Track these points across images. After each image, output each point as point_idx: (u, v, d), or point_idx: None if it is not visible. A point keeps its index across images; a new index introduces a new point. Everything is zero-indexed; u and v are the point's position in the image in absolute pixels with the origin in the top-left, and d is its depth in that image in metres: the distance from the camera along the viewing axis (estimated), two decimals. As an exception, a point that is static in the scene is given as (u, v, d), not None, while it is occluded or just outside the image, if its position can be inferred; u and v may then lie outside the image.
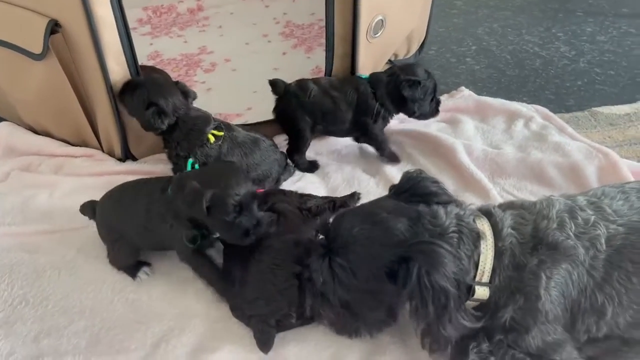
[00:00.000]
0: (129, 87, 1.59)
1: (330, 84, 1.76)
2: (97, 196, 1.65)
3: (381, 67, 2.20)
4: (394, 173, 1.72)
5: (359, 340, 1.23)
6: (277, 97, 1.76)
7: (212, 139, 1.55)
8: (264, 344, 1.21)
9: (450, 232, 1.05)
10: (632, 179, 1.54)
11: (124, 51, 1.57)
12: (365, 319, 1.16)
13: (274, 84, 1.75)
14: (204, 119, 1.58)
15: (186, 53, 2.46)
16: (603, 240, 1.06)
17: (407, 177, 1.16)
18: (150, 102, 1.51)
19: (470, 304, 1.07)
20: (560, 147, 1.75)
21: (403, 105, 1.74)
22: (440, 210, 1.07)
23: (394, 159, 1.79)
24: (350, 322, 1.17)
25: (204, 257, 1.33)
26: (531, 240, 1.08)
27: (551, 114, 1.94)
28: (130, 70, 1.61)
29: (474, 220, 1.09)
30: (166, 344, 1.26)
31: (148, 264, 1.43)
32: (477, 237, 1.07)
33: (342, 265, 1.05)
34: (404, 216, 1.06)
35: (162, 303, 1.33)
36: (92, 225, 1.55)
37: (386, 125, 1.80)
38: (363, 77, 1.80)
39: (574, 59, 2.40)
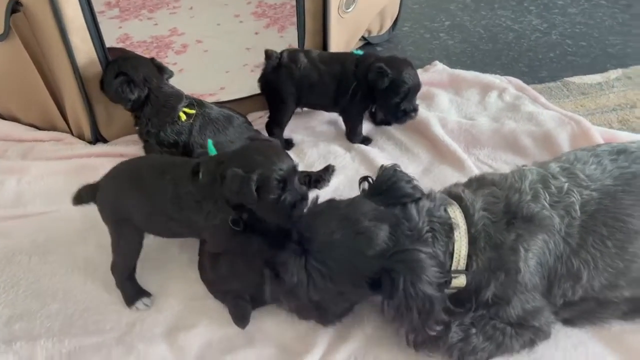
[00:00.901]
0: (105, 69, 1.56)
1: (321, 57, 1.73)
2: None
3: (354, 44, 2.19)
4: (369, 148, 1.72)
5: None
6: (265, 67, 1.73)
7: (183, 116, 1.52)
8: (240, 318, 1.21)
9: (424, 232, 1.05)
10: (603, 144, 1.56)
11: (88, 28, 1.53)
12: (330, 311, 1.15)
13: (269, 56, 1.70)
14: (177, 96, 1.55)
15: (156, 35, 2.41)
16: (577, 207, 1.07)
17: (383, 178, 1.14)
18: (119, 71, 1.49)
19: (448, 292, 1.07)
20: (534, 117, 1.76)
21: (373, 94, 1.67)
22: (413, 210, 1.07)
23: (363, 142, 1.76)
24: (314, 312, 1.16)
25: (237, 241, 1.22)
26: (504, 217, 1.08)
27: (524, 85, 1.95)
28: (96, 49, 1.57)
29: (445, 210, 1.09)
30: (141, 324, 1.24)
31: (148, 295, 1.29)
32: (450, 228, 1.07)
33: (320, 270, 1.03)
34: (384, 223, 1.05)
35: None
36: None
37: (364, 109, 1.76)
38: (355, 53, 1.76)
39: (546, 32, 2.40)
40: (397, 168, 1.16)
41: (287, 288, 1.08)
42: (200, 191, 1.17)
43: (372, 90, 1.65)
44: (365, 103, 1.72)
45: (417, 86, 1.65)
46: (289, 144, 1.77)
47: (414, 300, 0.97)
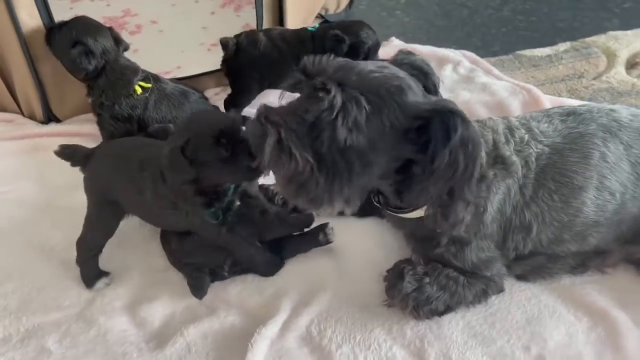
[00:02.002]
0: (55, 26, 1.50)
1: (281, 36, 1.69)
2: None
3: (311, 21, 2.19)
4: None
5: (299, 276, 1.24)
6: (225, 55, 1.69)
7: (138, 90, 1.51)
8: (198, 289, 1.20)
9: None
10: (553, 111, 1.61)
11: (36, 3, 1.49)
12: (344, 185, 0.90)
13: (225, 45, 1.66)
14: (133, 69, 1.53)
15: (109, 16, 2.34)
16: (534, 159, 1.10)
17: (403, 54, 1.01)
18: (76, 40, 1.44)
19: (415, 214, 1.05)
20: (487, 87, 1.80)
21: None
22: None
23: None
24: (321, 182, 0.89)
25: (234, 234, 1.18)
26: (493, 151, 1.09)
27: (478, 57, 1.99)
28: (44, 24, 1.53)
29: None
30: (102, 298, 1.23)
31: (107, 274, 1.26)
32: None
33: (358, 100, 0.84)
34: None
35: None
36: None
37: None
38: (310, 29, 1.71)
39: (499, 8, 2.46)
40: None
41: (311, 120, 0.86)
42: (169, 190, 1.09)
43: None
44: None
45: (377, 44, 1.64)
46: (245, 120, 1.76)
47: (468, 148, 0.84)
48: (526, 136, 1.12)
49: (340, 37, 1.59)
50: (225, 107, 1.73)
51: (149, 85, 1.52)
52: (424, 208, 1.03)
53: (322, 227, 1.26)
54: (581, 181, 1.10)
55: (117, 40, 1.53)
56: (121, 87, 1.49)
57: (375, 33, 1.65)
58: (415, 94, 0.89)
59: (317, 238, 1.26)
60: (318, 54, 1.60)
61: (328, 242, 1.26)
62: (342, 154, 0.87)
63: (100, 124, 1.55)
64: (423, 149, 0.88)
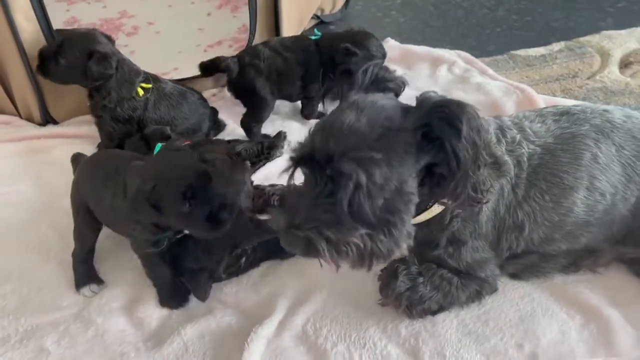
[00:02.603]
0: (49, 51, 1.47)
1: (281, 44, 1.68)
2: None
3: (307, 22, 2.21)
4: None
5: (295, 276, 1.26)
6: (229, 76, 1.66)
7: (140, 91, 1.51)
8: (201, 291, 1.22)
9: None
10: (547, 110, 1.63)
11: (33, 6, 1.50)
12: (399, 227, 0.92)
13: (228, 67, 1.62)
14: (136, 71, 1.54)
15: (106, 18, 2.37)
16: (526, 159, 1.10)
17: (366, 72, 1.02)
18: (90, 50, 1.43)
19: (421, 218, 1.05)
20: (482, 87, 1.82)
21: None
22: None
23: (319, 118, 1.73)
24: (383, 239, 0.91)
25: (157, 259, 1.19)
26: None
27: (473, 58, 2.01)
28: (42, 27, 1.53)
29: None
30: (99, 299, 1.24)
31: (100, 282, 1.26)
32: None
33: (372, 159, 0.85)
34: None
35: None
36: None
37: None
38: (313, 37, 1.70)
39: (493, 8, 2.47)
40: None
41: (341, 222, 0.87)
42: (125, 206, 1.08)
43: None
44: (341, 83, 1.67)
45: (384, 55, 1.65)
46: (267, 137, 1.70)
47: (475, 125, 0.83)
48: (518, 136, 1.12)
49: (352, 51, 1.57)
50: (245, 128, 1.69)
51: (149, 85, 1.53)
52: (429, 211, 1.04)
53: None
54: (572, 181, 1.11)
55: (110, 39, 1.53)
56: (126, 90, 1.49)
57: (382, 44, 1.66)
58: (401, 108, 0.91)
59: None
60: (326, 65, 1.62)
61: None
62: (385, 207, 0.89)
63: (99, 125, 1.55)
64: (439, 148, 0.88)
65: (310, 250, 0.89)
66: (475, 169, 0.87)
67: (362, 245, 0.89)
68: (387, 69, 1.04)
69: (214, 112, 1.71)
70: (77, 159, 1.34)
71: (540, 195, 1.11)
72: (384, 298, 1.15)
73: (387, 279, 1.14)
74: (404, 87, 1.05)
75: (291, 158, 0.93)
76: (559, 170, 1.11)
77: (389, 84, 1.01)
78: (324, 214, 0.87)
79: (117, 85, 1.49)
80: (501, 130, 1.13)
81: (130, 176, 1.08)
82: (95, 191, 1.18)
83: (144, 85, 1.53)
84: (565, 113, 1.19)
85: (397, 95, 1.03)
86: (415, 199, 0.94)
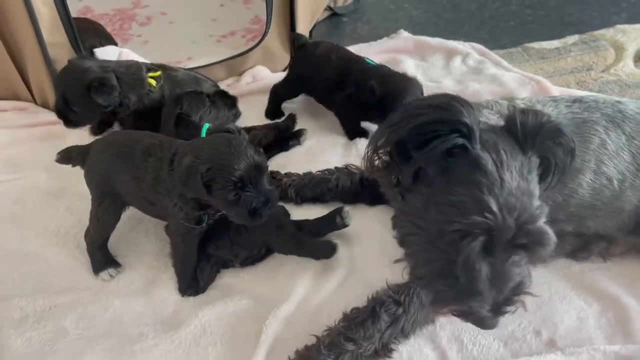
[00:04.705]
0: (61, 106, 1.43)
1: (338, 50, 1.67)
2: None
3: (320, 13, 2.20)
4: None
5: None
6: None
7: (153, 82, 1.50)
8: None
9: None
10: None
11: (51, -10, 1.50)
12: None
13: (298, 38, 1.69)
14: (137, 65, 1.52)
15: (119, 8, 2.37)
16: None
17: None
18: (86, 84, 1.38)
19: None
20: (496, 78, 1.81)
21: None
22: None
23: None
24: None
25: (190, 242, 1.19)
26: None
27: (487, 50, 2.00)
28: (59, 13, 1.54)
29: None
30: (117, 282, 1.25)
31: (117, 265, 1.27)
32: None
33: (543, 209, 0.89)
34: None
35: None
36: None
37: (355, 117, 1.64)
38: (370, 62, 1.62)
39: (507, 2, 2.46)
40: None
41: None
42: (171, 179, 1.11)
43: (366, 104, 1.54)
44: (357, 112, 1.61)
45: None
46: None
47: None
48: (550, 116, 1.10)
49: (373, 91, 1.50)
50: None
51: (158, 73, 1.52)
52: None
53: (339, 211, 1.27)
54: (579, 164, 1.10)
55: (108, 38, 1.53)
56: (140, 87, 1.48)
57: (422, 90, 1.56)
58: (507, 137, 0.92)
59: (334, 221, 1.27)
60: (357, 90, 1.54)
61: (345, 225, 1.28)
62: None
63: (122, 122, 1.55)
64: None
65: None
66: None
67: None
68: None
69: (234, 100, 1.69)
70: (69, 153, 1.27)
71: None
72: None
73: None
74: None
75: (484, 243, 0.86)
76: None
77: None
78: (513, 281, 0.89)
79: (130, 88, 1.47)
80: None
81: (182, 151, 1.09)
82: (130, 169, 1.17)
83: (151, 75, 1.51)
84: (577, 100, 1.19)
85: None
86: None
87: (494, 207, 0.83)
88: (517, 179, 0.86)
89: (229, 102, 1.64)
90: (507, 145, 0.89)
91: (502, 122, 1.07)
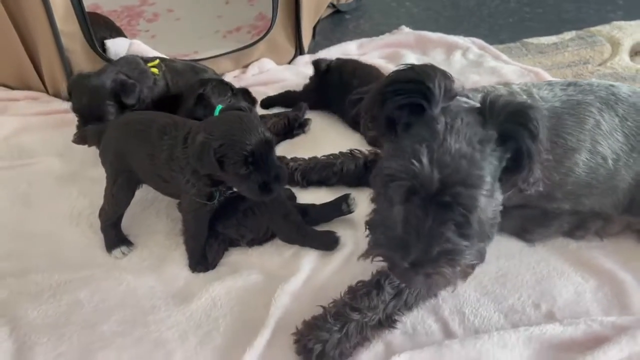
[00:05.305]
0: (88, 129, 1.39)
1: (355, 66, 1.71)
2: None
3: (323, 10, 2.25)
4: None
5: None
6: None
7: (156, 71, 1.54)
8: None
9: None
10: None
11: (64, -20, 1.55)
12: (490, 238, 1.00)
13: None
14: (134, 60, 1.55)
15: (127, 5, 2.43)
16: None
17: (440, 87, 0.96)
18: (113, 90, 1.45)
19: None
20: (496, 71, 1.86)
21: None
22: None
23: None
24: (482, 247, 0.97)
25: (201, 219, 1.23)
26: None
27: (486, 44, 2.05)
28: (73, 2, 1.58)
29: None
30: (129, 259, 1.29)
31: (129, 244, 1.31)
32: None
33: (484, 180, 0.90)
34: None
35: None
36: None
37: None
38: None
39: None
40: None
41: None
42: (185, 156, 1.16)
43: None
44: None
45: None
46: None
47: (542, 127, 0.90)
48: (527, 101, 1.14)
49: None
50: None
51: (156, 61, 1.55)
52: None
53: (345, 197, 1.31)
54: (575, 143, 1.15)
55: (118, 31, 1.57)
56: (146, 80, 1.52)
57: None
58: (476, 115, 0.93)
59: (340, 207, 1.31)
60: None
61: (350, 211, 1.31)
62: (490, 221, 0.96)
63: None
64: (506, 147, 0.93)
65: (431, 286, 0.96)
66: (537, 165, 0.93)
67: (475, 262, 0.95)
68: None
69: (245, 91, 1.72)
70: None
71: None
72: None
73: None
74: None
75: (407, 190, 0.90)
76: (564, 132, 1.15)
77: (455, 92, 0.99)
78: (439, 244, 0.89)
79: (140, 82, 1.51)
80: (512, 95, 1.16)
81: (195, 129, 1.14)
82: (146, 147, 1.21)
83: (151, 64, 1.55)
84: (572, 84, 1.23)
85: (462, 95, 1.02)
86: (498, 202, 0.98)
87: (424, 159, 0.87)
88: (462, 143, 0.89)
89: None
90: (469, 117, 0.92)
91: None
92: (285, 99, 1.77)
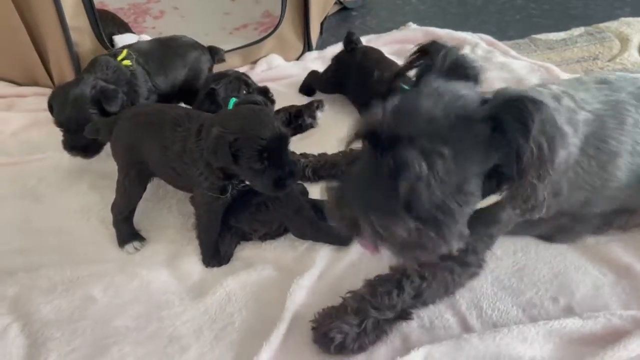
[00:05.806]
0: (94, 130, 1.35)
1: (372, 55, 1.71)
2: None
3: (330, 7, 2.25)
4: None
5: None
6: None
7: (127, 63, 1.50)
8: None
9: None
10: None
11: (74, -25, 1.54)
12: (452, 226, 0.89)
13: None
14: (104, 61, 1.49)
15: (133, 2, 2.42)
16: (581, 126, 1.08)
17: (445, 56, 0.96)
18: (92, 98, 1.39)
19: None
20: (505, 66, 1.85)
21: None
22: None
23: None
24: (430, 238, 0.88)
25: (214, 213, 1.22)
26: None
27: (495, 40, 2.04)
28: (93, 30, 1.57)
29: None
30: (142, 254, 1.27)
31: (142, 239, 1.30)
32: None
33: (439, 152, 0.82)
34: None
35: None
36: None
37: None
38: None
39: (512, -4, 2.52)
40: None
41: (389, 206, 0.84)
42: (198, 149, 1.15)
43: None
44: None
45: None
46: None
47: (547, 131, 0.81)
48: (572, 104, 1.09)
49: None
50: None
51: (124, 52, 1.51)
52: (490, 197, 0.99)
53: None
54: (616, 146, 1.10)
55: (126, 27, 1.55)
56: (122, 75, 1.48)
57: None
58: (481, 100, 0.88)
59: None
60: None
61: None
62: (442, 203, 0.86)
63: None
64: (507, 147, 0.85)
65: (353, 229, 0.88)
66: (536, 179, 0.85)
67: (407, 237, 0.86)
68: (465, 56, 1.00)
69: (265, 91, 1.68)
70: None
71: (587, 161, 1.09)
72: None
73: None
74: (483, 75, 0.99)
75: (356, 132, 0.89)
76: (607, 136, 1.09)
77: (468, 71, 0.97)
78: (376, 196, 0.84)
79: (118, 82, 1.47)
80: (556, 98, 1.09)
81: (209, 123, 1.13)
82: (159, 138, 1.20)
83: (120, 57, 1.50)
84: (604, 81, 1.17)
85: (476, 82, 0.97)
86: (476, 200, 0.92)
87: (389, 107, 0.86)
88: (437, 109, 0.84)
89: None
90: (466, 96, 0.87)
91: None
92: (313, 79, 1.79)
